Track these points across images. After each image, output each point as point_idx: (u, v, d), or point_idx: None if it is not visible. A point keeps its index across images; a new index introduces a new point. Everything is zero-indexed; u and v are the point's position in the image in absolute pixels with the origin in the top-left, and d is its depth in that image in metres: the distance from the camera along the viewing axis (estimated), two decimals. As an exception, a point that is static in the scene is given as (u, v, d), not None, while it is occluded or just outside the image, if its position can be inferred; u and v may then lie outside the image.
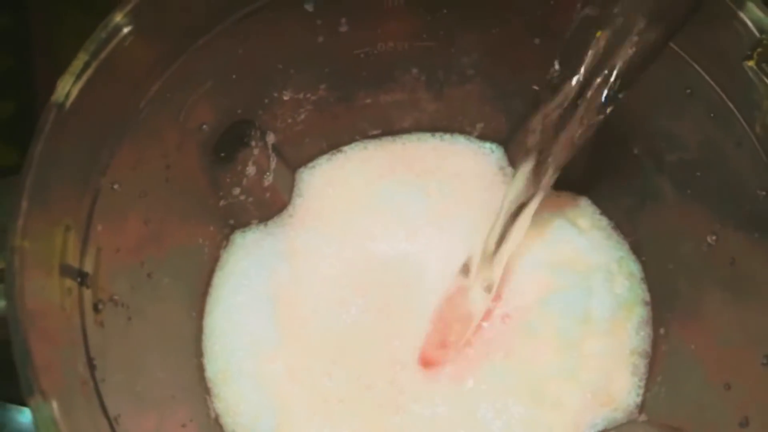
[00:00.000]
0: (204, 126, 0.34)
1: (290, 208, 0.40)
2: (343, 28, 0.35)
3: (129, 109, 0.30)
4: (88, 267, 0.28)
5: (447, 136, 0.42)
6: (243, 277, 0.38)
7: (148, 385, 0.31)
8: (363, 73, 0.38)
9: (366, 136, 0.41)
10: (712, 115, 0.30)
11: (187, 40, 0.31)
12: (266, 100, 0.37)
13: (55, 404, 0.23)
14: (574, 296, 0.37)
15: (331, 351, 0.37)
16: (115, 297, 0.29)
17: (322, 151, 0.41)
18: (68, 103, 0.26)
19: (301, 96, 0.37)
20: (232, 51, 0.33)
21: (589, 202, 0.40)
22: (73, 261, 0.27)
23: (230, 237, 0.39)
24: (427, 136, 0.42)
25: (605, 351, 0.36)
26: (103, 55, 0.27)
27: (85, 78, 0.27)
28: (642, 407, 0.35)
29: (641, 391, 0.35)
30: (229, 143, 0.36)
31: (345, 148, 0.41)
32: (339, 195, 0.40)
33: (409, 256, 0.39)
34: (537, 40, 0.34)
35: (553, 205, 0.39)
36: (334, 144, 0.41)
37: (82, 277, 0.27)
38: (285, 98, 0.37)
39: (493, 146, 0.41)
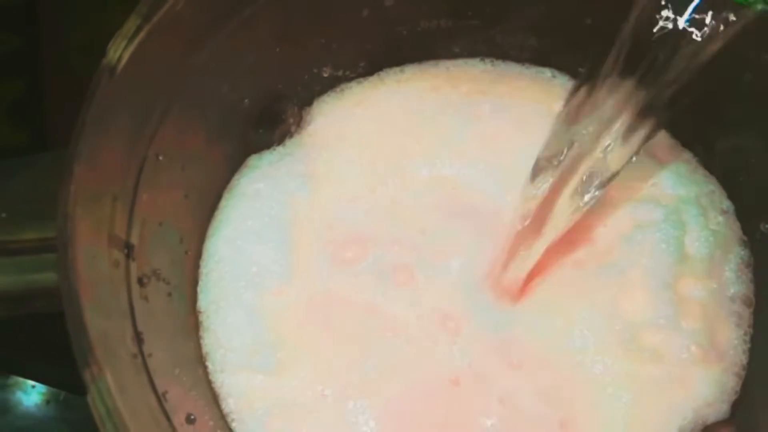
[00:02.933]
0: (246, 100, 0.33)
1: (310, 128, 0.35)
2: (389, 2, 0.34)
3: (176, 78, 0.29)
4: (134, 239, 0.27)
5: (499, 62, 0.36)
6: (255, 200, 0.33)
7: (190, 366, 0.30)
8: (403, 53, 0.37)
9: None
10: (773, 99, 0.29)
11: (236, 8, 0.30)
12: (306, 76, 0.36)
13: (109, 377, 0.22)
14: (665, 231, 0.31)
15: (356, 287, 0.31)
16: (158, 271, 0.28)
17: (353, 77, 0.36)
18: (120, 67, 0.25)
19: (340, 73, 0.36)
20: (278, 22, 0.32)
21: (666, 133, 0.34)
22: (120, 232, 0.26)
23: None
24: (475, 60, 0.36)
25: (705, 295, 0.31)
26: (155, 18, 0.26)
27: (136, 41, 0.26)
28: (748, 368, 0.30)
29: (747, 347, 0.30)
30: (267, 120, 0.35)
31: (379, 72, 0.36)
32: (369, 116, 0.35)
33: (455, 183, 0.33)
34: (589, 20, 0.34)
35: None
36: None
37: (128, 249, 0.26)
38: (324, 75, 0.36)
39: (555, 72, 0.36)
